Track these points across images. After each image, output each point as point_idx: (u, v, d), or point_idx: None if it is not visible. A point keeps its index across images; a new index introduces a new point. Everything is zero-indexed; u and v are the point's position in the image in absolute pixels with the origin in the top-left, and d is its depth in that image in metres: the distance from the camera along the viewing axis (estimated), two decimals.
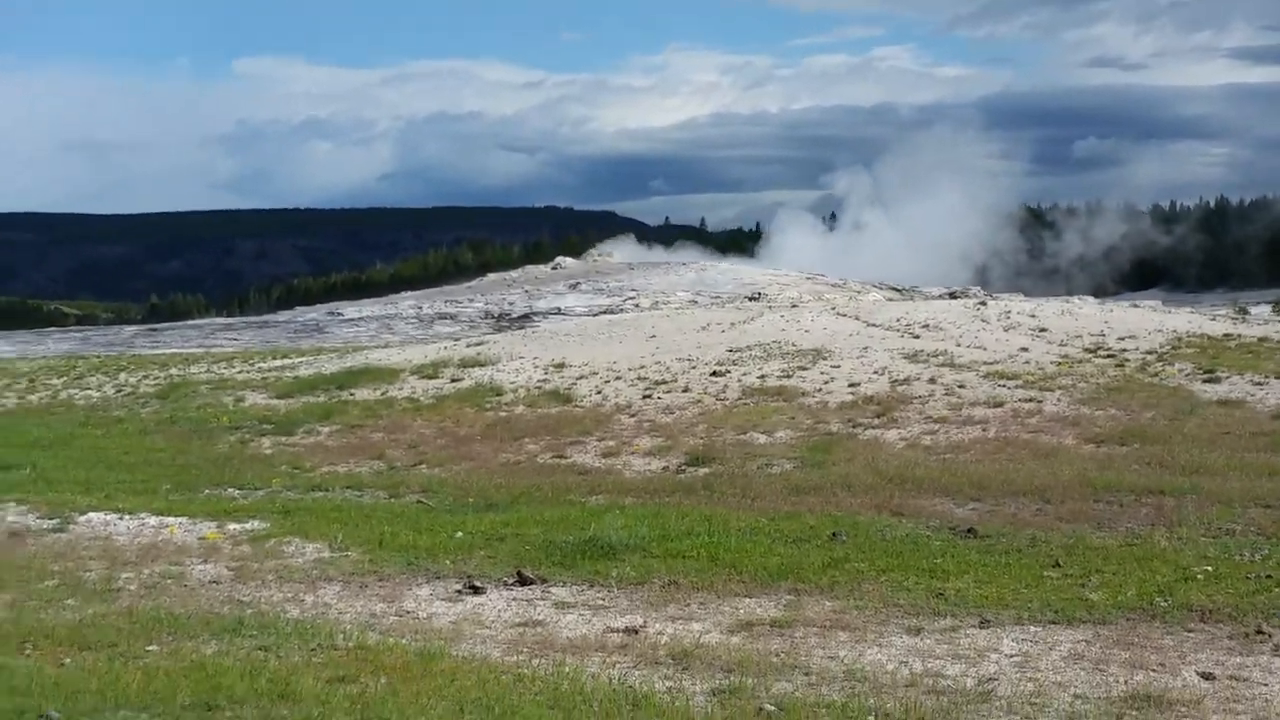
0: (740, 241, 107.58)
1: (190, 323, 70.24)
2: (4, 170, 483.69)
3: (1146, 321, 27.38)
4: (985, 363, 22.32)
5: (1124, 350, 23.35)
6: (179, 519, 12.64)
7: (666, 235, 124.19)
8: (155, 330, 60.86)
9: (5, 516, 13.03)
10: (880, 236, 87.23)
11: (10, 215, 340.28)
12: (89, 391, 28.37)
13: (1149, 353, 23.01)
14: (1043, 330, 26.04)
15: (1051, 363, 22.17)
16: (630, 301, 52.75)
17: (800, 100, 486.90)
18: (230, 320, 68.61)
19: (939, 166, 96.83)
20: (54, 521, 12.64)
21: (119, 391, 27.95)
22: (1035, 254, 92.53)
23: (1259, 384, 19.49)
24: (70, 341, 55.47)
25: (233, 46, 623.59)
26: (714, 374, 22.87)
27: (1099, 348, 23.79)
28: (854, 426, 17.82)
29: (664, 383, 22.38)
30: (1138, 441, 15.62)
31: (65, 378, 31.42)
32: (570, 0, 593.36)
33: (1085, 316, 28.28)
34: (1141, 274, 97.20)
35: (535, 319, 49.94)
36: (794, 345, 25.25)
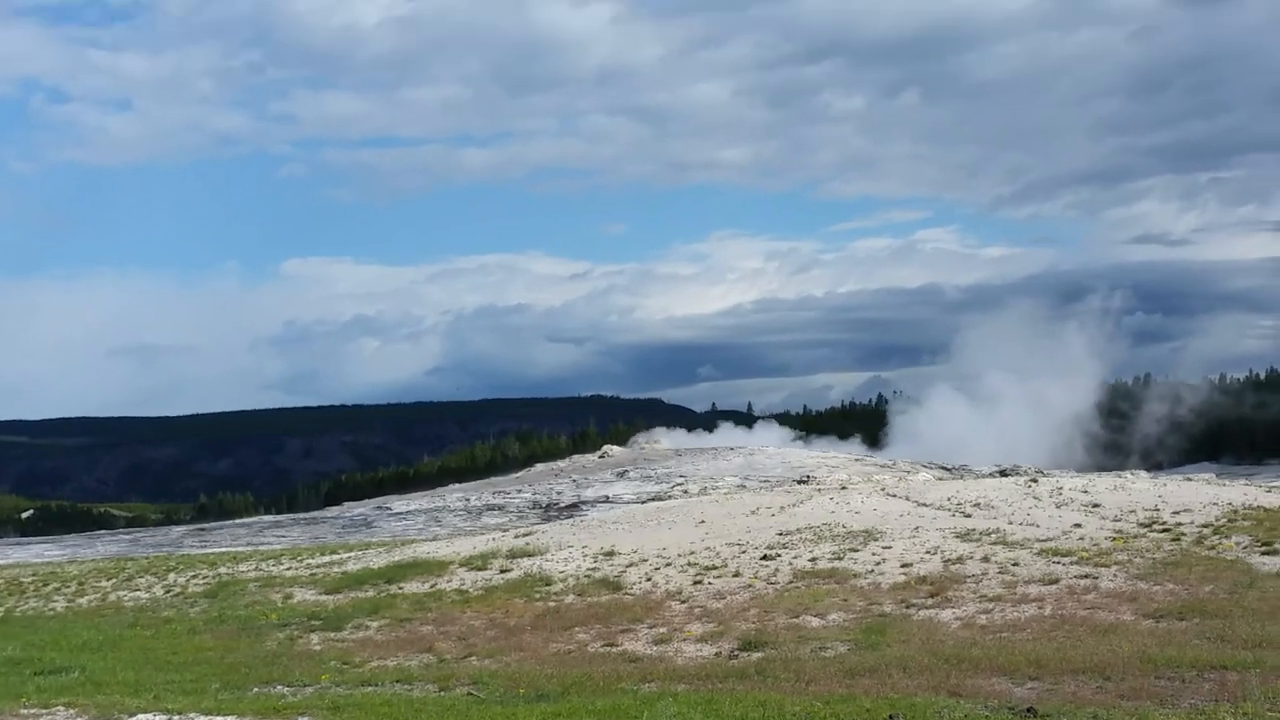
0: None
1: (239, 521, 70.31)
2: (56, 376, 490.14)
3: (1201, 495, 27.08)
4: (1038, 540, 22.08)
5: (1179, 524, 23.06)
6: (228, 718, 12.52)
7: (711, 422, 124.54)
8: (204, 530, 60.93)
9: None
10: (1003, 413, 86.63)
11: (62, 420, 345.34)
12: (138, 593, 28.34)
13: (1205, 526, 22.72)
14: (1095, 506, 25.80)
15: (1106, 538, 21.91)
16: (678, 488, 52.61)
17: (846, 284, 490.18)
18: (279, 517, 68.69)
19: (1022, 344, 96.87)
20: None
21: (167, 592, 27.91)
22: (1115, 429, 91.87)
23: None
24: (120, 543, 55.49)
25: (280, 249, 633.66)
26: (764, 558, 22.70)
27: (1154, 522, 23.51)
28: (908, 607, 17.62)
29: (714, 568, 22.22)
30: (1197, 616, 15.38)
31: (114, 579, 31.39)
32: (612, 193, 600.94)
33: (1138, 491, 28.01)
34: (1193, 447, 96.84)
35: (583, 508, 49.82)
36: (844, 527, 25.08)
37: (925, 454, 63.23)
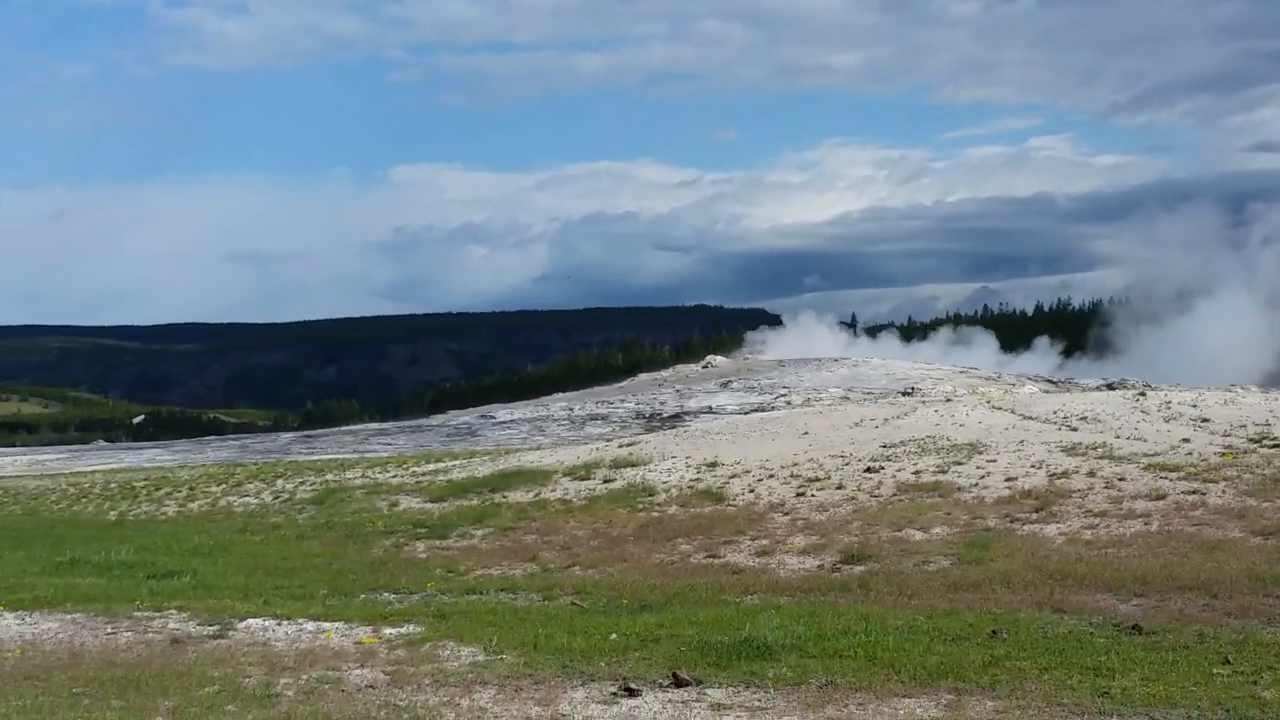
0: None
1: (345, 428, 71.16)
2: (169, 283, 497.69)
3: None
4: (1146, 455, 21.82)
5: None
6: (335, 624, 12.69)
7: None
8: (311, 437, 61.77)
9: (167, 624, 13.19)
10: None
11: (171, 326, 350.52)
12: (247, 499, 28.81)
13: None
14: (1205, 420, 25.46)
15: (1215, 454, 21.61)
16: (782, 399, 52.58)
17: (956, 192, 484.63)
18: (384, 425, 69.39)
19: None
20: (214, 628, 12.75)
21: (276, 498, 28.34)
22: None
23: None
24: (229, 449, 56.43)
25: (391, 155, 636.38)
26: (868, 470, 22.63)
27: (1264, 437, 23.13)
28: (1011, 522, 17.52)
29: (817, 480, 22.19)
30: None
31: (224, 485, 31.91)
32: (723, 100, 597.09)
33: (1249, 405, 27.62)
34: None
35: (686, 418, 49.92)
36: (948, 440, 24.94)
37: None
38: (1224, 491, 18.32)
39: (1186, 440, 23.10)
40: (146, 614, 13.77)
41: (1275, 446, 22.12)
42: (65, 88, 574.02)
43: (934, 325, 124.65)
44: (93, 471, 44.21)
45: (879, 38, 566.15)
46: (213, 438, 76.84)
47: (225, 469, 38.52)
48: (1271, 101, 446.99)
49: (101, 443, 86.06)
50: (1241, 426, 24.37)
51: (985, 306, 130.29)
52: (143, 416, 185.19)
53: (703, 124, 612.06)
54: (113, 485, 34.45)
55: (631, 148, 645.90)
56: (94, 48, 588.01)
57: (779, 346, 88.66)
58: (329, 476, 31.41)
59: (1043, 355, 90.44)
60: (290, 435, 67.25)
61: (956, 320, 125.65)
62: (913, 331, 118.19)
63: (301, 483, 30.51)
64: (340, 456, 43.46)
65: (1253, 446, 22.25)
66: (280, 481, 31.41)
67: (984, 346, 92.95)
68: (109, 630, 12.92)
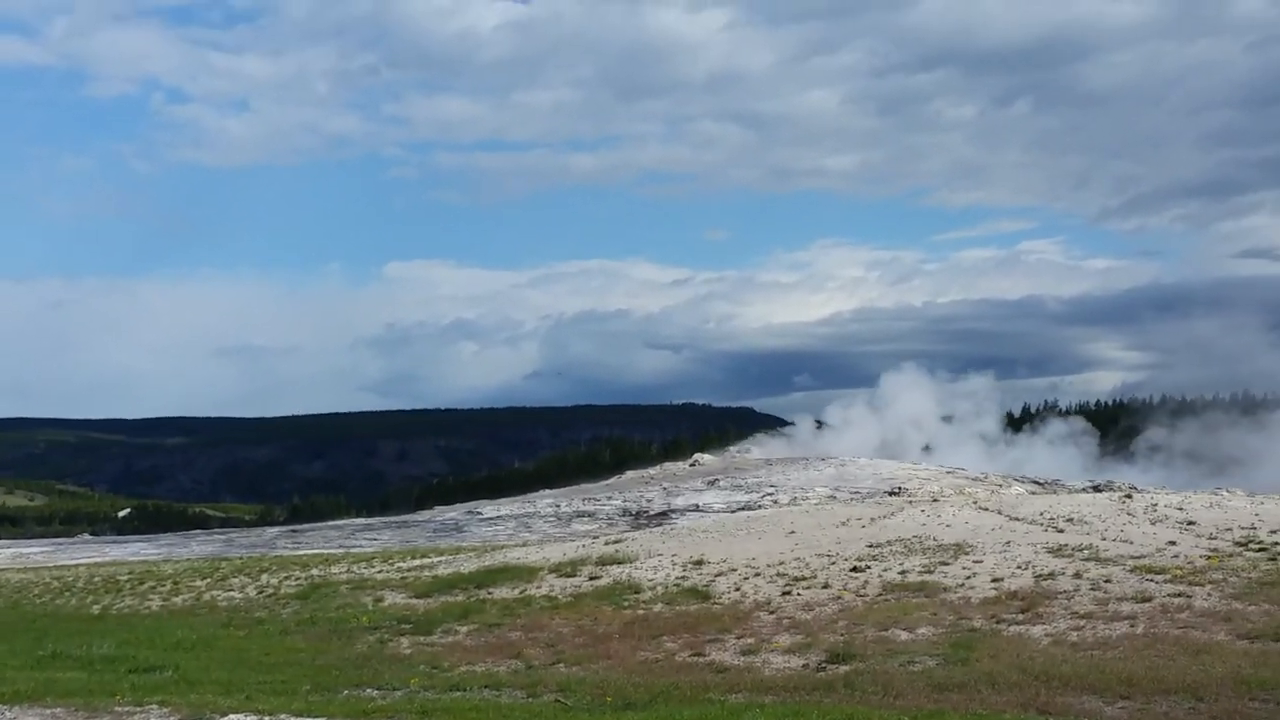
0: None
1: (331, 523, 70.86)
2: (157, 376, 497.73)
3: None
4: (1132, 557, 21.85)
5: (1276, 543, 22.72)
6: None
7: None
8: (297, 531, 61.47)
9: (148, 719, 13.12)
10: None
11: (160, 420, 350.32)
12: (231, 593, 28.67)
13: None
14: (1191, 523, 25.48)
15: (1201, 556, 21.64)
16: (768, 498, 52.52)
17: (947, 294, 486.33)
18: (370, 520, 69.11)
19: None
20: None
21: (260, 592, 28.21)
22: None
23: None
24: (214, 544, 56.13)
25: (385, 251, 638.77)
26: (854, 570, 22.62)
27: (1250, 541, 23.16)
28: (998, 622, 17.50)
29: (803, 579, 22.17)
30: None
31: (209, 579, 31.76)
32: (716, 199, 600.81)
33: (1234, 509, 27.64)
34: None
35: (673, 516, 49.83)
36: (935, 540, 24.95)
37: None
38: (1210, 594, 18.33)
39: (1173, 543, 23.12)
40: (128, 709, 13.70)
41: (1261, 550, 22.14)
42: (66, 181, 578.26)
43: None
44: (77, 565, 43.96)
45: (874, 141, 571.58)
46: (198, 532, 76.48)
47: (210, 563, 38.33)
48: (1260, 209, 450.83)
49: (86, 536, 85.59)
50: (1227, 530, 24.40)
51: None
52: (128, 510, 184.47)
53: (695, 223, 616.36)
54: (96, 579, 34.27)
55: (624, 246, 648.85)
56: (96, 142, 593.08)
57: (785, 446, 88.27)
58: (314, 571, 31.28)
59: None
60: (276, 530, 66.94)
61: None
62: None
63: (286, 577, 30.38)
64: (326, 551, 43.27)
65: (1238, 550, 22.28)
66: (265, 576, 31.27)
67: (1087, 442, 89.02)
68: None
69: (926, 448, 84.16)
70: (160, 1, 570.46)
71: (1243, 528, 24.55)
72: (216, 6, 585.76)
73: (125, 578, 33.78)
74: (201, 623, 24.16)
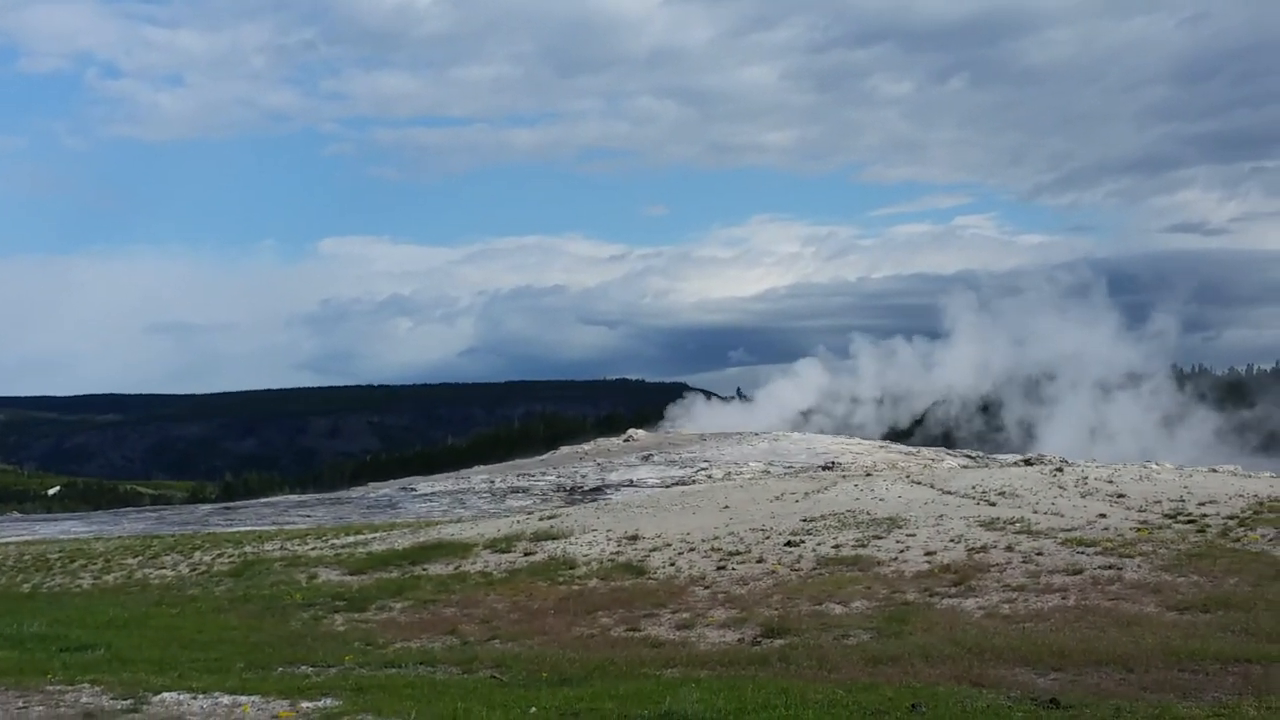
0: None
1: (264, 500, 70.44)
2: (89, 353, 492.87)
3: (1227, 486, 27.00)
4: (1063, 529, 22.04)
5: (1204, 515, 22.99)
6: (252, 697, 12.56)
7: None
8: (230, 508, 61.08)
9: (80, 698, 13.01)
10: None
11: (91, 397, 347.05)
12: (164, 570, 28.46)
13: (1230, 518, 22.64)
14: (1120, 496, 25.74)
15: (1130, 529, 21.86)
16: (703, 472, 52.59)
17: (881, 269, 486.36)
18: (304, 497, 68.72)
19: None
20: (127, 702, 12.58)
21: (193, 570, 28.02)
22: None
23: None
24: (146, 521, 55.66)
25: (320, 228, 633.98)
26: (788, 544, 22.71)
27: (1179, 513, 23.44)
28: (931, 596, 17.62)
29: (738, 554, 22.24)
30: (1221, 609, 15.35)
31: (140, 557, 31.51)
32: (655, 176, 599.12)
33: (1164, 481, 27.94)
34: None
35: (608, 491, 49.83)
36: (868, 514, 25.08)
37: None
38: (1140, 566, 18.53)
39: (1103, 515, 23.35)
40: (59, 688, 13.57)
41: (1190, 522, 22.40)
42: None
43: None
44: (6, 543, 43.53)
45: (811, 117, 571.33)
46: (130, 509, 75.82)
47: (142, 541, 38.02)
48: (1192, 184, 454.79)
49: (16, 514, 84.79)
50: (1157, 502, 24.67)
51: None
52: (58, 488, 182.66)
53: (634, 199, 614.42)
54: (26, 557, 33.93)
55: (562, 222, 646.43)
56: (28, 119, 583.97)
57: (714, 418, 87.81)
58: (247, 549, 31.10)
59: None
60: (209, 507, 66.51)
61: None
62: None
63: (219, 555, 30.18)
64: (259, 528, 43.01)
65: (1168, 522, 22.53)
66: (197, 553, 31.05)
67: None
68: (20, 704, 12.72)
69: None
70: None
71: (1171, 500, 24.84)
72: None
73: (55, 556, 33.47)
74: (133, 601, 23.97)
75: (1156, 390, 78.78)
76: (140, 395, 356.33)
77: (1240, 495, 25.24)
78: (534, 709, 11.34)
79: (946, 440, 78.03)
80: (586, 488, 52.71)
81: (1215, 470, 34.55)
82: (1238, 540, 20.45)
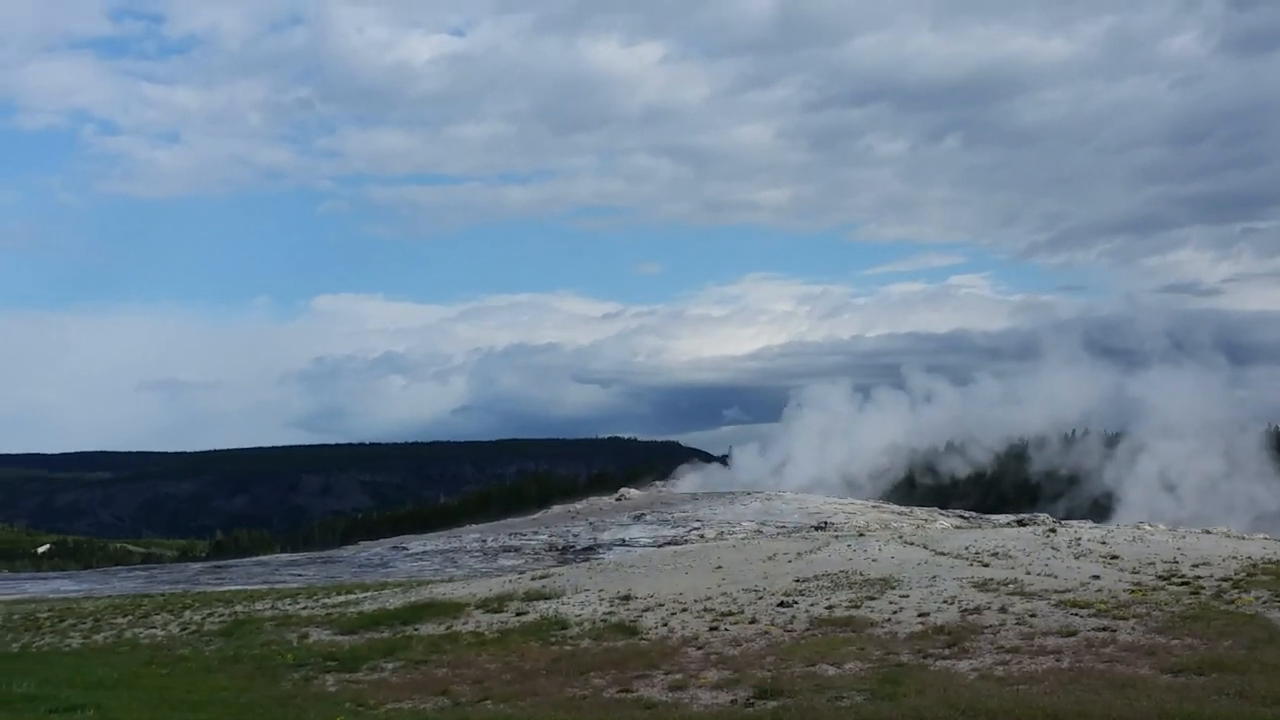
0: None
1: (255, 559, 70.30)
2: (80, 411, 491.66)
3: (1220, 548, 27.00)
4: (1056, 591, 22.01)
5: (1198, 577, 22.98)
6: None
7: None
8: (220, 567, 60.96)
9: None
10: None
11: (81, 454, 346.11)
12: (153, 630, 28.35)
13: (1224, 580, 22.63)
14: (1114, 557, 25.72)
15: (1124, 590, 21.84)
16: (695, 532, 52.56)
17: (875, 328, 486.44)
18: (295, 556, 68.61)
19: None
20: None
21: (183, 629, 27.92)
22: None
23: None
24: (136, 580, 55.52)
25: (313, 285, 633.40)
26: (781, 605, 22.66)
27: (1172, 575, 23.43)
28: (924, 657, 17.56)
29: (731, 614, 22.18)
30: (1215, 671, 15.30)
31: (130, 616, 31.41)
32: (649, 233, 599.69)
33: (1157, 543, 27.93)
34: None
35: (600, 551, 49.80)
36: (861, 575, 25.03)
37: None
38: (1134, 628, 18.49)
39: (1096, 577, 23.32)
40: None
41: (1184, 584, 22.38)
42: None
43: None
44: None
45: (806, 175, 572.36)
46: (120, 568, 75.63)
47: (132, 600, 37.91)
48: (1184, 244, 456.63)
49: (5, 572, 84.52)
50: (1150, 564, 24.66)
51: None
52: (48, 546, 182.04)
53: (628, 257, 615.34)
54: (15, 616, 33.82)
55: (556, 280, 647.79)
56: (23, 174, 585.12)
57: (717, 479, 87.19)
58: (238, 608, 31.01)
59: None
60: (199, 565, 66.35)
61: None
62: None
63: (209, 614, 30.09)
64: (250, 588, 42.91)
65: (1161, 584, 22.52)
66: (188, 613, 30.96)
67: None
68: None
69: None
70: (93, 33, 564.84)
71: (1165, 561, 24.83)
72: (150, 38, 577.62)
73: (45, 615, 33.37)
74: (123, 661, 23.84)
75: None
76: (131, 453, 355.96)
77: (1234, 557, 25.24)
78: None
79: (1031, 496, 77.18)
80: (579, 547, 52.71)
81: (1209, 532, 34.55)
82: (1232, 602, 20.43)
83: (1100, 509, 66.47)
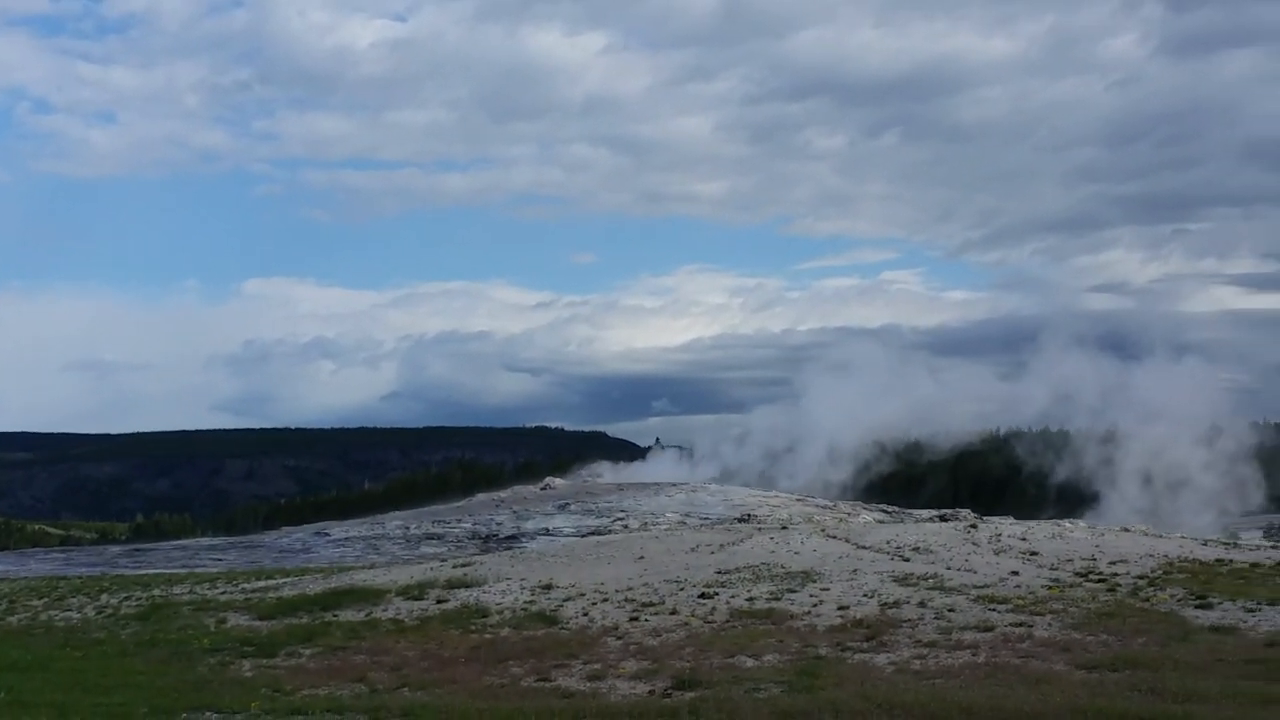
0: None
1: (175, 543, 69.72)
2: (3, 391, 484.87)
3: (1137, 546, 27.28)
4: (975, 586, 22.17)
5: (1115, 575, 23.22)
6: None
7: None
8: (140, 550, 60.39)
9: None
10: None
11: (1, 435, 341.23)
12: (69, 613, 28.05)
13: (1140, 577, 22.88)
14: (1033, 554, 25.93)
15: (1042, 587, 22.02)
16: (619, 522, 52.52)
17: (806, 322, 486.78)
18: (215, 540, 68.09)
19: None
20: None
21: (100, 613, 27.64)
22: None
23: (1251, 610, 19.38)
24: (53, 562, 54.91)
25: (244, 269, 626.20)
26: (702, 596, 22.69)
27: (1090, 572, 23.66)
28: (843, 650, 17.63)
29: (651, 605, 22.18)
30: (1129, 668, 15.44)
31: (46, 599, 31.07)
32: (585, 223, 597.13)
33: (1076, 540, 28.19)
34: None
35: (523, 540, 49.68)
36: (783, 567, 25.10)
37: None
38: (1050, 624, 18.65)
39: (1015, 573, 23.52)
40: None
41: (1100, 581, 22.60)
42: None
43: None
44: None
45: (744, 168, 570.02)
46: (37, 550, 74.90)
47: (48, 582, 37.51)
48: (1116, 244, 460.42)
49: None
50: (1068, 560, 24.88)
51: None
52: None
53: (563, 247, 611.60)
54: None
55: (490, 268, 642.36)
56: None
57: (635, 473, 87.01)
58: (156, 592, 30.74)
59: None
60: (118, 549, 65.66)
61: None
62: None
63: (127, 598, 29.81)
64: (169, 572, 42.53)
65: (1079, 580, 22.73)
66: (105, 596, 30.65)
67: None
68: None
69: None
70: (30, 10, 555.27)
71: (1083, 558, 25.07)
72: (88, 17, 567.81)
73: None
74: (37, 643, 23.57)
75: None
76: (52, 434, 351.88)
77: (1151, 555, 25.51)
78: None
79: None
80: (502, 535, 52.57)
81: (1127, 530, 34.87)
82: (1147, 600, 20.64)
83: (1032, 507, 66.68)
